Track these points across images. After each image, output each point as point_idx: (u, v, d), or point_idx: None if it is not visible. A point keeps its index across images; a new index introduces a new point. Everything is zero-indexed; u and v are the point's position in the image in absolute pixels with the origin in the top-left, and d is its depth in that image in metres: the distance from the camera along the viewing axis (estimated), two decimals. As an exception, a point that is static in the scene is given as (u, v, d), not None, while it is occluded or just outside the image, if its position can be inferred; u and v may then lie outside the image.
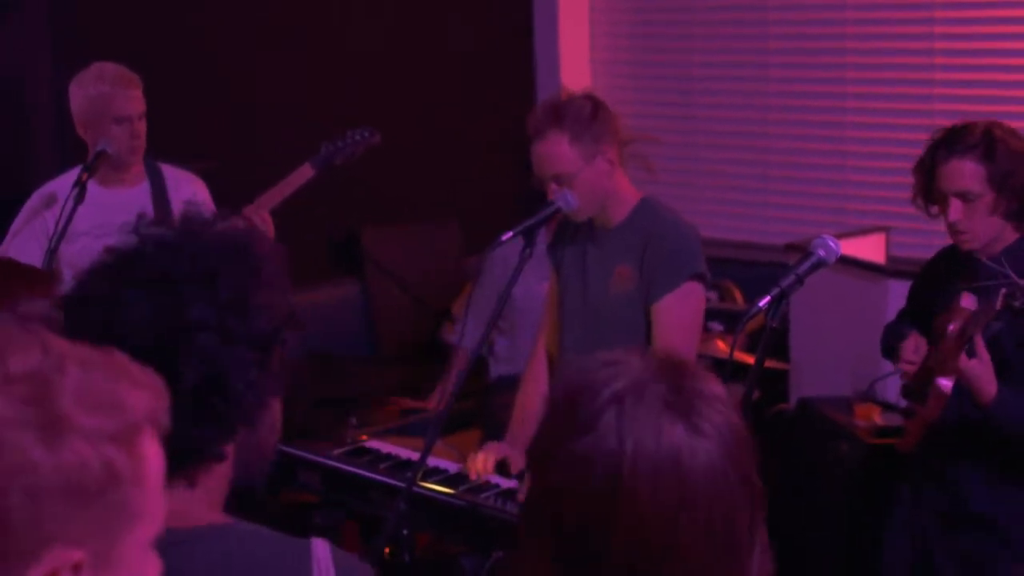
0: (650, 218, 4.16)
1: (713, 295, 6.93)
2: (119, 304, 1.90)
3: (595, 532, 1.59)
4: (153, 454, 1.37)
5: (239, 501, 2.04)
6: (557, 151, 4.08)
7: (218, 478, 1.98)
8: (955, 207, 3.91)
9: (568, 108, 4.12)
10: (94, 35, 6.23)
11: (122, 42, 5.97)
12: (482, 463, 4.21)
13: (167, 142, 5.21)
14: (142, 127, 4.92)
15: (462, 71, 7.70)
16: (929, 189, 4.02)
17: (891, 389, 5.09)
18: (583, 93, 4.22)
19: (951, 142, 3.93)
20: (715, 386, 1.66)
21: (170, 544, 1.86)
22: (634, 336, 4.09)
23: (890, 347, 4.26)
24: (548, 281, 4.55)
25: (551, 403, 1.68)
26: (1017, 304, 3.42)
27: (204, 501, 1.96)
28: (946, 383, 3.81)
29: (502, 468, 4.27)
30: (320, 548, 1.94)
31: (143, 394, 1.35)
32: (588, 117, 4.10)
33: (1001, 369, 3.72)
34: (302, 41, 7.09)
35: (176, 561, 1.86)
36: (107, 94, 4.85)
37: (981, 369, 3.66)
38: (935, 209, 4.03)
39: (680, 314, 4.09)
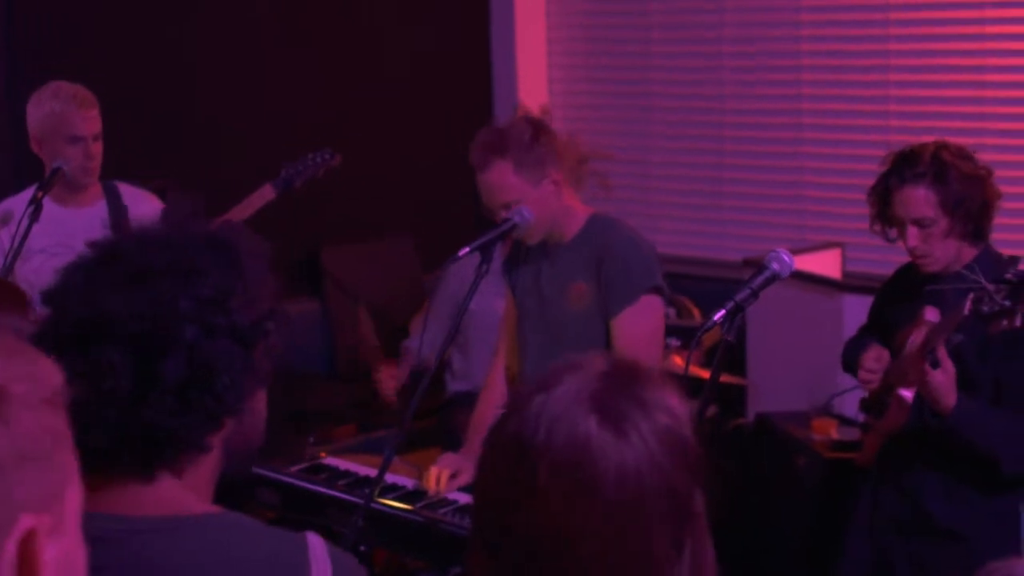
0: (603, 233, 4.17)
1: (671, 311, 6.96)
2: (103, 297, 1.90)
3: (504, 516, 1.60)
4: (68, 423, 1.38)
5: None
6: (503, 180, 4.08)
7: (206, 469, 1.98)
8: (912, 233, 3.94)
9: (509, 135, 4.10)
10: (52, 54, 6.21)
11: (79, 61, 5.96)
12: (435, 479, 4.21)
13: (126, 162, 5.20)
14: (97, 148, 4.88)
15: (419, 88, 7.71)
16: (886, 215, 4.04)
17: (848, 404, 5.12)
18: (522, 116, 4.22)
19: (901, 169, 3.96)
20: (666, 397, 1.65)
21: (165, 530, 1.88)
22: (594, 352, 4.08)
23: (851, 362, 4.27)
24: (504, 297, 4.56)
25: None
26: (985, 309, 3.43)
27: (192, 491, 1.96)
28: (907, 394, 3.83)
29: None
30: (315, 541, 1.96)
31: (51, 369, 1.36)
32: (529, 142, 4.09)
33: (962, 381, 3.74)
34: (261, 63, 7.09)
35: (173, 547, 1.88)
36: (62, 113, 4.82)
37: (943, 379, 3.67)
38: (894, 233, 4.06)
39: (640, 327, 4.10)
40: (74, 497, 1.35)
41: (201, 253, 1.96)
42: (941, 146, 3.97)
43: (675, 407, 1.65)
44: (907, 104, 6.74)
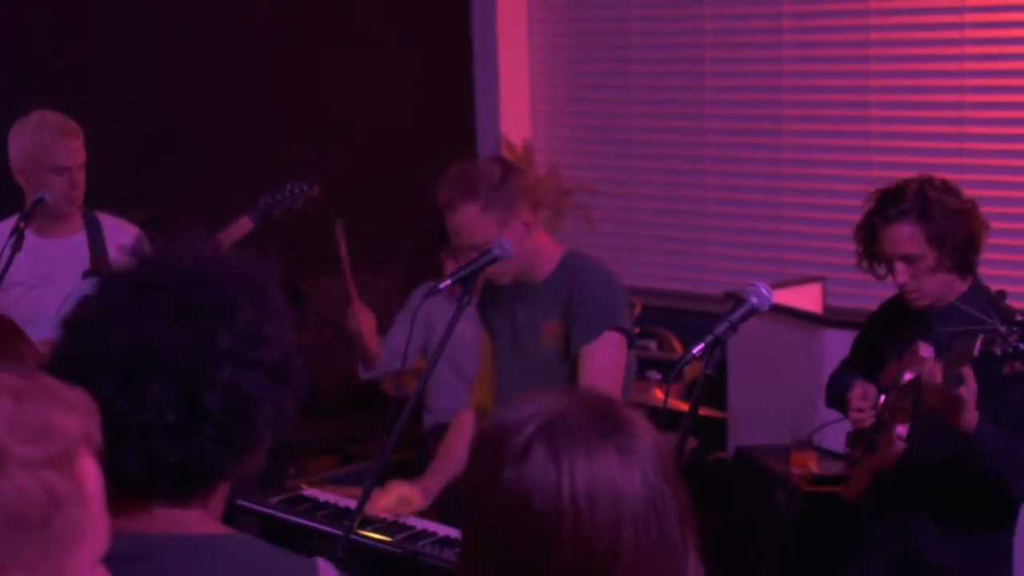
0: (575, 272, 4.12)
1: (652, 344, 6.97)
2: (151, 329, 1.94)
3: (538, 556, 1.62)
4: (91, 473, 1.37)
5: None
6: (470, 222, 4.04)
7: (222, 495, 2.06)
8: (901, 270, 3.94)
9: (477, 176, 4.06)
10: (37, 83, 6.22)
11: (64, 91, 5.97)
12: (380, 500, 4.20)
13: (108, 192, 5.19)
14: (81, 178, 4.88)
15: (402, 121, 7.73)
16: (872, 252, 4.04)
17: (829, 437, 5.12)
18: (491, 157, 4.17)
19: (886, 206, 3.96)
20: (634, 414, 1.70)
21: (188, 547, 1.96)
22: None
23: (835, 396, 4.27)
24: (471, 322, 4.56)
25: (477, 443, 1.72)
26: (998, 351, 3.40)
27: (212, 517, 2.04)
28: (902, 430, 3.83)
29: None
30: (325, 568, 2.02)
31: (75, 417, 1.36)
32: (498, 182, 4.04)
33: None
34: (244, 95, 7.10)
35: (194, 563, 1.95)
36: (46, 144, 4.81)
37: (968, 396, 3.63)
38: (882, 270, 4.06)
39: (602, 359, 4.07)
40: (83, 557, 1.34)
41: (239, 289, 2.02)
42: (925, 181, 3.98)
43: (644, 420, 1.70)
44: (887, 139, 6.76)
